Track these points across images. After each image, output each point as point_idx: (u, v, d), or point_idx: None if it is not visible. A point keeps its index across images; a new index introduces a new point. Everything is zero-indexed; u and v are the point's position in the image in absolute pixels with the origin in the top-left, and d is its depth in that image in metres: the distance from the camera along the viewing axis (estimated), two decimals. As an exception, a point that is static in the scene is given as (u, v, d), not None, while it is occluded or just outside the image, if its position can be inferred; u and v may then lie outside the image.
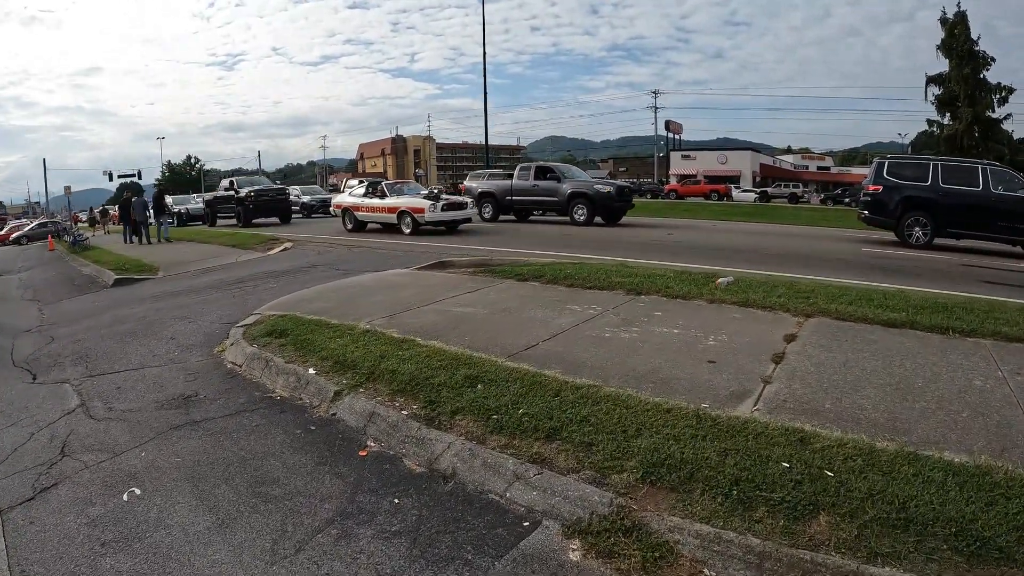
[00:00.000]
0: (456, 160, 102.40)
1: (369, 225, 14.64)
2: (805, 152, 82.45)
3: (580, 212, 14.65)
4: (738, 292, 5.40)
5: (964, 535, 1.96)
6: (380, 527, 2.43)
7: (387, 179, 27.61)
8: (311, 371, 4.04)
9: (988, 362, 3.70)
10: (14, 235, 34.44)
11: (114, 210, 28.14)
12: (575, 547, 2.15)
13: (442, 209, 13.02)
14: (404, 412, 3.25)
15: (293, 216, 23.04)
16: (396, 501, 2.63)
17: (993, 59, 27.15)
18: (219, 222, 21.27)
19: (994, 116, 27.42)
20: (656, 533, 2.09)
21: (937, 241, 10.99)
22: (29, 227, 36.80)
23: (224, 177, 24.39)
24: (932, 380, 3.35)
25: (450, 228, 13.52)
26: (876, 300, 5.04)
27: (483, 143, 30.66)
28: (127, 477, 3.00)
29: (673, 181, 51.14)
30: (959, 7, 26.94)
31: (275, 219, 19.67)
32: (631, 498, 2.28)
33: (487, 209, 16.12)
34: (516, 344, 4.13)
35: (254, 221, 19.08)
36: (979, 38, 26.89)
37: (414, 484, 2.75)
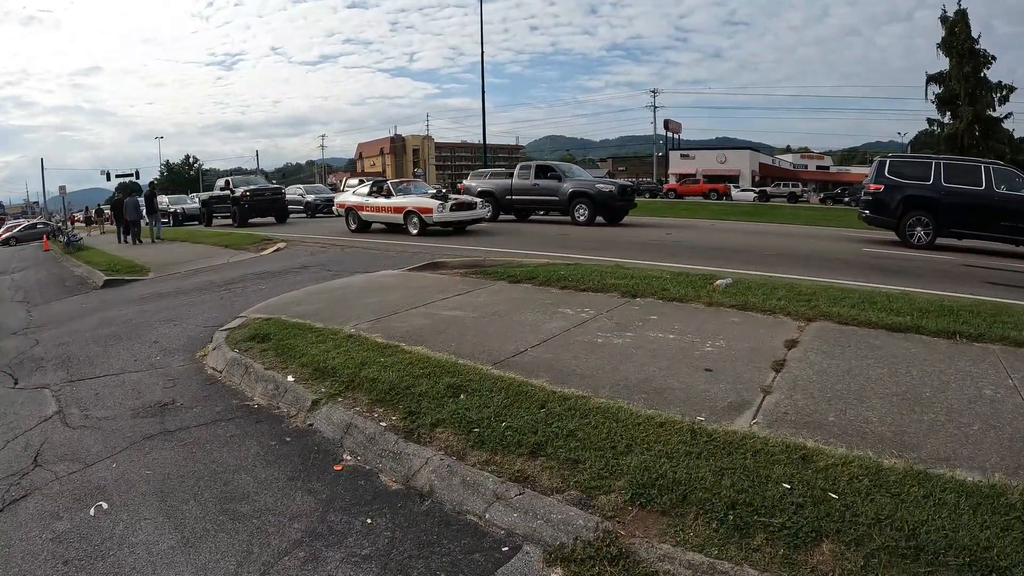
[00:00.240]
0: (455, 160, 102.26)
1: (373, 225, 14.27)
2: (804, 151, 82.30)
3: (581, 212, 14.44)
4: (737, 295, 5.22)
5: (978, 565, 1.79)
6: (350, 550, 2.27)
7: (386, 178, 27.36)
8: (290, 379, 3.88)
9: (997, 369, 3.53)
10: (3, 236, 33.52)
11: (109, 210, 27.96)
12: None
13: (451, 209, 12.60)
14: (383, 424, 3.08)
15: (297, 215, 22.86)
16: (369, 521, 2.46)
17: (994, 57, 27.00)
18: (215, 222, 21.12)
19: (995, 115, 27.25)
20: (644, 562, 1.91)
21: (939, 241, 10.82)
22: (18, 228, 35.83)
23: (221, 177, 24.15)
24: (940, 389, 3.17)
25: (458, 229, 13.12)
26: (880, 303, 4.86)
27: (482, 143, 30.52)
28: (96, 490, 2.88)
29: (672, 180, 51.01)
30: (959, 5, 26.80)
31: (271, 219, 19.51)
32: (619, 522, 2.10)
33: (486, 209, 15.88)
34: (504, 350, 3.96)
35: (250, 221, 18.91)
36: (980, 36, 26.75)
37: (389, 502, 2.59)
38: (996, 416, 2.87)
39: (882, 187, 11.26)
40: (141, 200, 18.67)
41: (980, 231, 10.60)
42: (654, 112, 65.16)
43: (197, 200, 25.15)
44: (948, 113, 27.85)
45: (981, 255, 10.28)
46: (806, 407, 2.92)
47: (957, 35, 26.59)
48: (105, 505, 2.71)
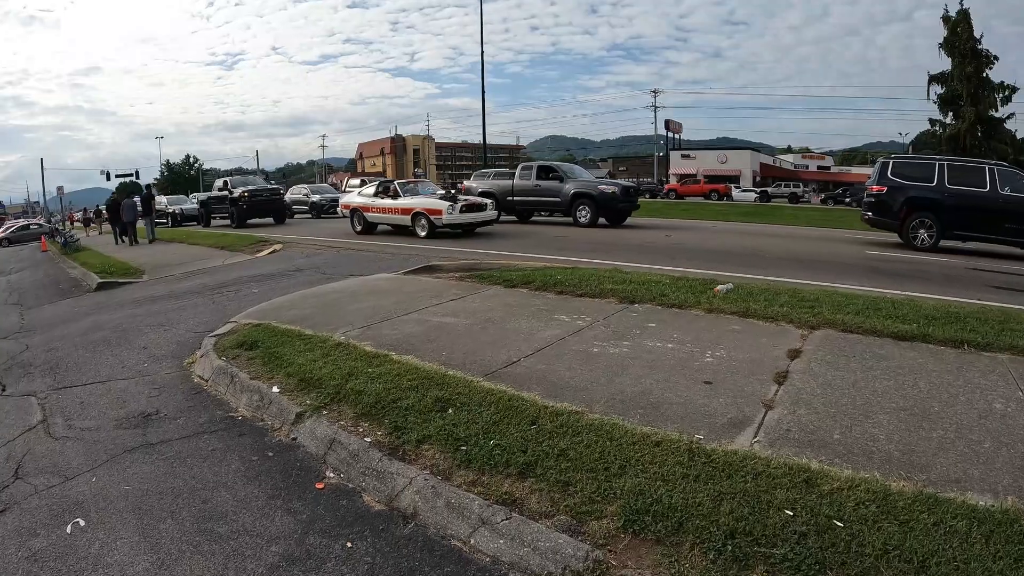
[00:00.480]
0: (456, 160, 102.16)
1: (379, 227, 13.88)
2: (805, 152, 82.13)
3: (584, 213, 14.24)
4: (738, 301, 5.08)
5: (994, 601, 1.66)
6: (328, 576, 2.15)
7: (386, 178, 27.08)
8: (275, 389, 3.76)
9: (1007, 381, 3.40)
10: None
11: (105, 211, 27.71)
12: (544, 611, 1.86)
13: (461, 211, 12.16)
14: (367, 439, 2.95)
15: (302, 216, 22.59)
16: (349, 545, 2.35)
17: (996, 57, 26.81)
18: (214, 223, 21.01)
19: (997, 116, 27.08)
20: (637, 597, 1.79)
21: (942, 244, 10.68)
22: (10, 229, 35.23)
23: (220, 177, 23.90)
24: (949, 403, 3.04)
25: (467, 231, 12.67)
26: (885, 310, 4.73)
27: (482, 143, 30.39)
28: (74, 506, 2.80)
29: (673, 180, 50.85)
30: (961, 5, 26.64)
31: (269, 219, 19.39)
32: (610, 551, 1.98)
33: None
34: (495, 360, 3.82)
35: (249, 222, 18.79)
36: (982, 36, 26.58)
37: (371, 525, 2.47)
38: (1008, 432, 2.74)
39: (885, 188, 11.11)
40: (138, 201, 18.60)
41: (984, 233, 10.47)
42: (654, 112, 64.96)
43: (196, 201, 24.95)
44: (950, 113, 27.69)
45: (985, 258, 10.14)
46: (810, 423, 2.79)
47: (959, 35, 26.42)
48: (82, 522, 2.63)
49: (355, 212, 14.19)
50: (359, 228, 14.02)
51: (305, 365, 3.96)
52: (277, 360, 4.20)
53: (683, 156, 59.73)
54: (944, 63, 27.42)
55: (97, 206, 28.80)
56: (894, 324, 4.32)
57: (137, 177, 47.20)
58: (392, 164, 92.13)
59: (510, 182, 15.53)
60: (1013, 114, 27.03)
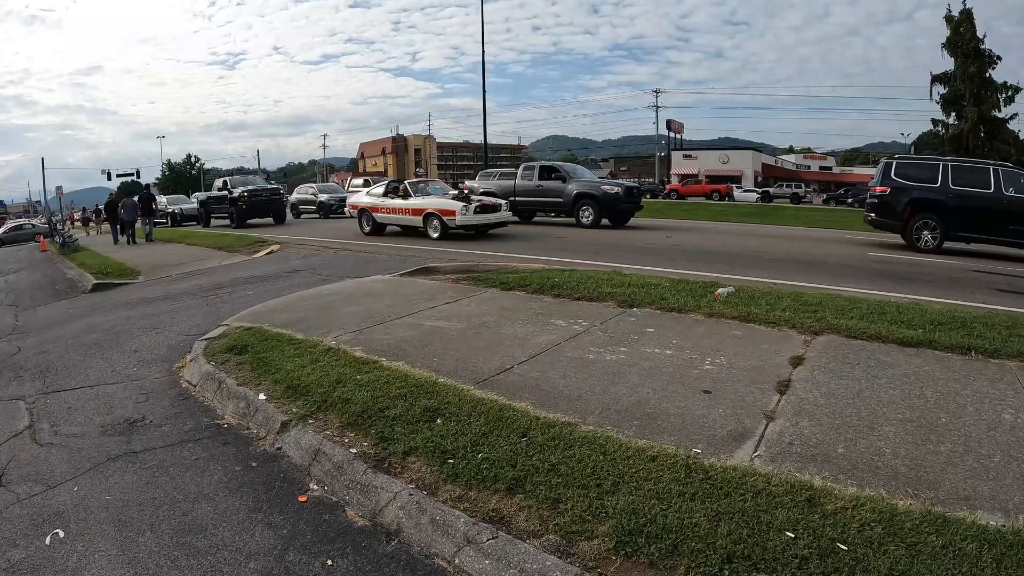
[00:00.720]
0: (457, 159, 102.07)
1: (388, 228, 13.42)
2: (807, 152, 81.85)
3: (586, 214, 14.07)
4: (739, 305, 4.97)
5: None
6: (305, 596, 2.05)
7: (393, 178, 26.90)
8: (261, 396, 3.66)
9: (1016, 390, 3.28)
10: None
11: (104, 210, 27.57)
12: (530, 640, 1.75)
13: (475, 211, 11.64)
14: (353, 450, 2.85)
15: (310, 216, 22.29)
16: (329, 563, 2.25)
17: (999, 57, 26.60)
18: (214, 222, 20.91)
19: (1000, 116, 26.88)
20: (629, 627, 1.68)
21: (946, 245, 10.55)
22: (3, 230, 34.69)
23: (219, 176, 23.75)
24: (957, 414, 2.93)
25: (481, 232, 12.20)
26: (889, 314, 4.61)
27: (483, 143, 30.25)
28: (55, 515, 2.74)
29: (675, 180, 50.69)
30: (964, 4, 26.46)
31: (269, 219, 19.28)
32: (600, 574, 1.87)
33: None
34: (488, 367, 3.71)
35: (249, 222, 18.69)
36: (985, 36, 26.39)
37: (353, 541, 2.37)
38: (1018, 446, 2.63)
39: (888, 189, 10.98)
40: (136, 201, 18.54)
41: (988, 235, 10.34)
42: (656, 112, 64.75)
43: (196, 201, 24.80)
44: (953, 114, 27.50)
45: (989, 260, 10.02)
46: (813, 436, 2.67)
47: (962, 35, 26.24)
48: (62, 533, 2.57)
49: (363, 212, 13.75)
50: (368, 229, 13.57)
51: (293, 371, 3.86)
52: (265, 366, 4.10)
53: (685, 156, 59.55)
54: (947, 63, 27.28)
55: (96, 206, 28.71)
56: (899, 329, 4.21)
57: (138, 176, 47.26)
58: (393, 164, 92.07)
59: (512, 182, 15.38)
60: (1016, 114, 26.84)
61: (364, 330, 4.73)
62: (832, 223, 18.36)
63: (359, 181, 26.51)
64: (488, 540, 2.09)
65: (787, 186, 44.88)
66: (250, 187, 19.15)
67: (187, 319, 6.59)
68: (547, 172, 15.09)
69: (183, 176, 72.49)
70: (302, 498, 2.72)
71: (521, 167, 15.94)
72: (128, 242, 17.36)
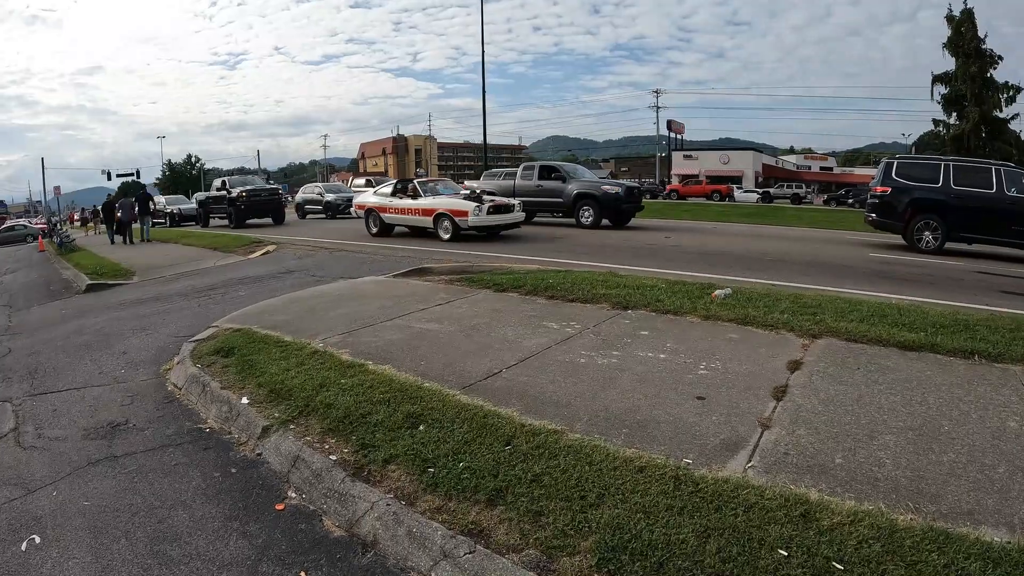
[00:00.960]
0: (458, 160, 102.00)
1: (397, 229, 13.05)
2: (808, 152, 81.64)
3: (587, 214, 13.93)
4: (736, 307, 4.85)
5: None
6: (276, 611, 1.96)
7: (388, 178, 26.71)
8: (244, 400, 3.57)
9: (1021, 396, 3.17)
10: None
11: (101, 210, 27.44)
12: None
13: (488, 212, 11.23)
14: (332, 457, 2.76)
15: (316, 216, 22.00)
16: (302, 575, 2.16)
17: (1000, 57, 26.45)
18: (213, 223, 20.82)
19: (1001, 116, 26.73)
20: (611, 653, 1.58)
21: (947, 246, 10.43)
22: None
23: (220, 176, 23.57)
24: (960, 422, 2.82)
25: (492, 234, 11.85)
26: (890, 317, 4.50)
27: (483, 143, 30.14)
28: (33, 521, 2.69)
29: (675, 181, 50.55)
30: (965, 4, 26.33)
31: (268, 219, 19.19)
32: (583, 594, 1.77)
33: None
34: (476, 371, 3.61)
35: (247, 222, 18.60)
36: (986, 36, 26.25)
37: (328, 552, 2.29)
38: (1023, 455, 2.52)
39: (889, 189, 10.86)
40: (133, 201, 18.47)
41: (990, 235, 10.22)
42: (657, 112, 64.60)
43: (195, 201, 24.67)
44: (954, 114, 27.35)
45: (991, 260, 9.90)
46: (810, 446, 2.56)
47: (963, 35, 26.10)
48: (38, 539, 2.53)
49: (370, 213, 13.31)
50: (375, 230, 13.16)
51: (278, 375, 3.77)
52: (251, 369, 4.02)
53: (685, 156, 59.37)
54: (948, 63, 27.13)
55: (94, 206, 28.63)
56: (900, 333, 4.10)
57: (138, 176, 47.17)
58: (394, 164, 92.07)
59: (512, 182, 15.25)
60: (1018, 115, 26.68)
61: (353, 332, 4.63)
62: (833, 224, 18.24)
63: (361, 181, 26.33)
64: (465, 554, 1.99)
65: (788, 187, 44.71)
66: (248, 187, 19.05)
67: (178, 320, 6.52)
68: (547, 172, 14.95)
69: (183, 176, 72.40)
70: (279, 506, 2.64)
71: (521, 167, 15.81)
72: (125, 242, 17.31)
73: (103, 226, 22.21)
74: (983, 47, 26.20)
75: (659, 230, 14.36)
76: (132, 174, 47.47)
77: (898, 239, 11.22)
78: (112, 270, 11.62)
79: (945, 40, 26.86)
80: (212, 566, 2.26)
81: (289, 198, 34.00)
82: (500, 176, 16.21)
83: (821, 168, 68.61)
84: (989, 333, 4.14)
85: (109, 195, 24.37)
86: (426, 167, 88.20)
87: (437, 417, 2.87)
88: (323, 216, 21.85)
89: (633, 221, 15.20)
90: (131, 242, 17.19)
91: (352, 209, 15.28)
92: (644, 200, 17.41)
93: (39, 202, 73.06)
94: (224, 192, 19.24)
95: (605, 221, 14.05)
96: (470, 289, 6.05)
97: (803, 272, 7.93)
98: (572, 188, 14.22)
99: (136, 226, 18.00)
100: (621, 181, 20.75)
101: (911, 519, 2.02)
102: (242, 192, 18.50)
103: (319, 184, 27.76)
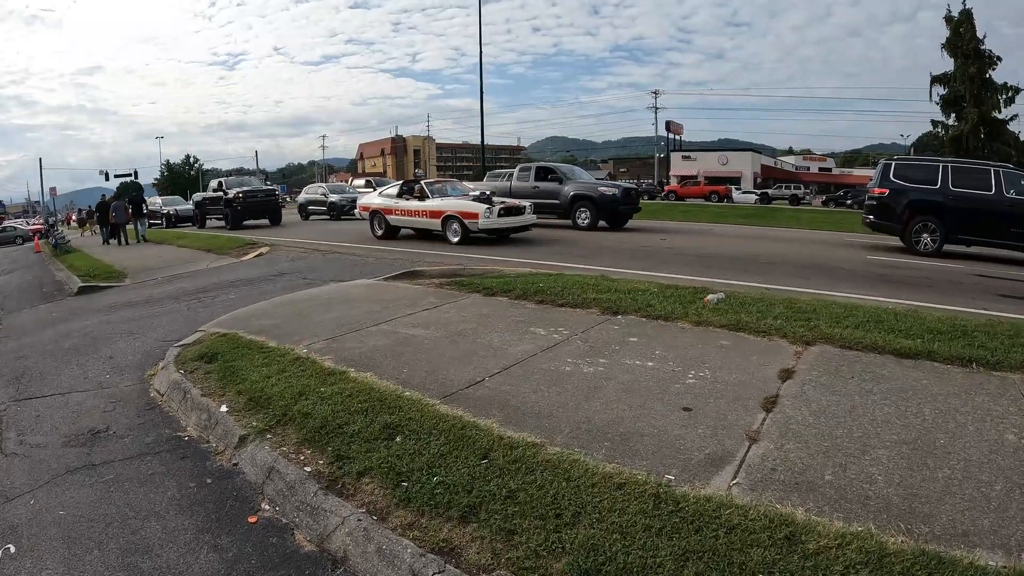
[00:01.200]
0: (456, 160, 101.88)
1: (403, 231, 12.71)
2: (807, 153, 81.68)
3: (583, 216, 13.80)
4: (729, 312, 4.76)
5: None
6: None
7: (387, 178, 26.55)
8: (223, 408, 3.49)
9: (1020, 407, 3.07)
10: None
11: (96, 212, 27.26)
12: None
13: (499, 214, 10.91)
14: (307, 468, 2.67)
15: (319, 218, 21.76)
16: (271, 591, 2.08)
17: (999, 58, 26.38)
18: (209, 223, 20.72)
19: (1000, 117, 26.66)
20: None
21: (946, 248, 10.34)
22: None
23: (218, 177, 23.44)
24: (956, 435, 2.72)
25: (502, 237, 11.57)
26: (887, 323, 4.40)
27: (481, 143, 30.09)
28: (9, 530, 2.67)
29: (673, 182, 50.47)
30: (964, 5, 26.26)
31: (265, 220, 19.09)
32: (555, 622, 1.68)
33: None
34: (459, 379, 3.51)
35: (244, 223, 18.50)
36: (985, 37, 26.18)
37: (297, 568, 2.23)
38: (1022, 471, 2.42)
39: (887, 191, 10.77)
40: (127, 203, 18.42)
41: (989, 238, 10.13)
42: (655, 113, 64.55)
43: (192, 202, 24.55)
44: (953, 115, 27.27)
45: (990, 263, 9.82)
46: (799, 461, 2.46)
47: (962, 36, 26.02)
48: (13, 549, 2.51)
49: (375, 215, 12.87)
50: (380, 232, 12.74)
51: (259, 382, 3.69)
52: (232, 375, 3.94)
53: (684, 157, 59.31)
54: (947, 64, 27.05)
55: (89, 207, 28.52)
56: (896, 339, 4.00)
57: (136, 177, 46.97)
58: (392, 164, 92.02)
59: (508, 183, 15.14)
60: (1016, 116, 26.62)
61: (338, 338, 4.55)
62: (831, 225, 18.17)
63: (361, 182, 26.19)
64: (434, 574, 1.90)
65: (786, 187, 44.64)
66: (245, 188, 18.97)
67: (166, 324, 6.45)
68: (544, 173, 14.84)
69: (182, 177, 72.22)
70: (252, 519, 2.58)
71: (517, 168, 15.70)
72: (120, 243, 17.24)
73: (98, 226, 22.12)
74: (982, 48, 26.13)
75: (656, 232, 14.28)
76: (130, 174, 47.28)
77: (896, 241, 11.14)
78: (105, 272, 11.54)
79: (944, 41, 26.80)
80: (181, 581, 2.20)
81: (287, 199, 33.87)
82: (503, 177, 16.07)
83: (820, 169, 68.63)
84: (987, 339, 4.05)
85: (103, 195, 24.26)
86: (424, 167, 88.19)
87: (415, 428, 2.78)
88: (327, 217, 21.45)
89: (630, 223, 15.12)
90: (125, 243, 17.12)
91: (356, 211, 14.91)
92: (642, 201, 17.32)
93: (37, 202, 72.96)
94: (221, 193, 19.15)
95: (602, 223, 13.95)
96: (459, 293, 5.96)
97: (799, 275, 7.84)
98: (569, 189, 14.11)
99: (130, 227, 17.92)
100: (618, 182, 20.66)
101: (902, 541, 1.92)
102: (238, 193, 18.41)
103: (323, 184, 27.47)
